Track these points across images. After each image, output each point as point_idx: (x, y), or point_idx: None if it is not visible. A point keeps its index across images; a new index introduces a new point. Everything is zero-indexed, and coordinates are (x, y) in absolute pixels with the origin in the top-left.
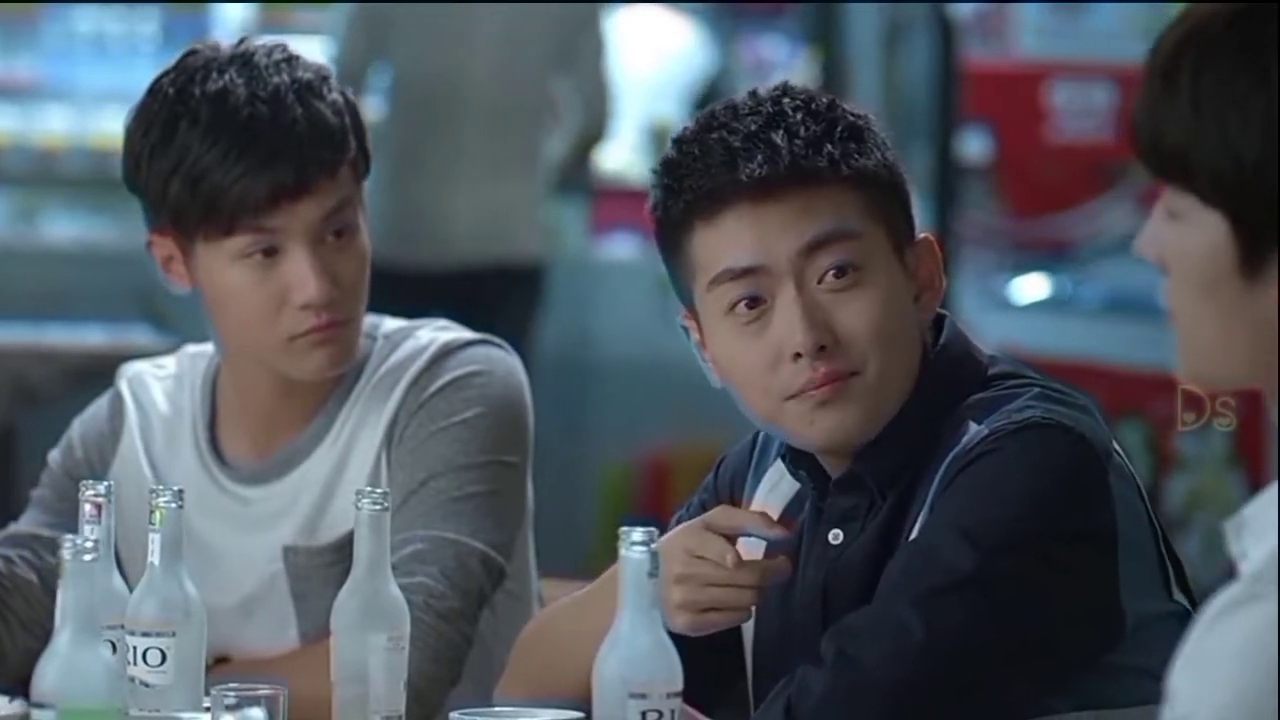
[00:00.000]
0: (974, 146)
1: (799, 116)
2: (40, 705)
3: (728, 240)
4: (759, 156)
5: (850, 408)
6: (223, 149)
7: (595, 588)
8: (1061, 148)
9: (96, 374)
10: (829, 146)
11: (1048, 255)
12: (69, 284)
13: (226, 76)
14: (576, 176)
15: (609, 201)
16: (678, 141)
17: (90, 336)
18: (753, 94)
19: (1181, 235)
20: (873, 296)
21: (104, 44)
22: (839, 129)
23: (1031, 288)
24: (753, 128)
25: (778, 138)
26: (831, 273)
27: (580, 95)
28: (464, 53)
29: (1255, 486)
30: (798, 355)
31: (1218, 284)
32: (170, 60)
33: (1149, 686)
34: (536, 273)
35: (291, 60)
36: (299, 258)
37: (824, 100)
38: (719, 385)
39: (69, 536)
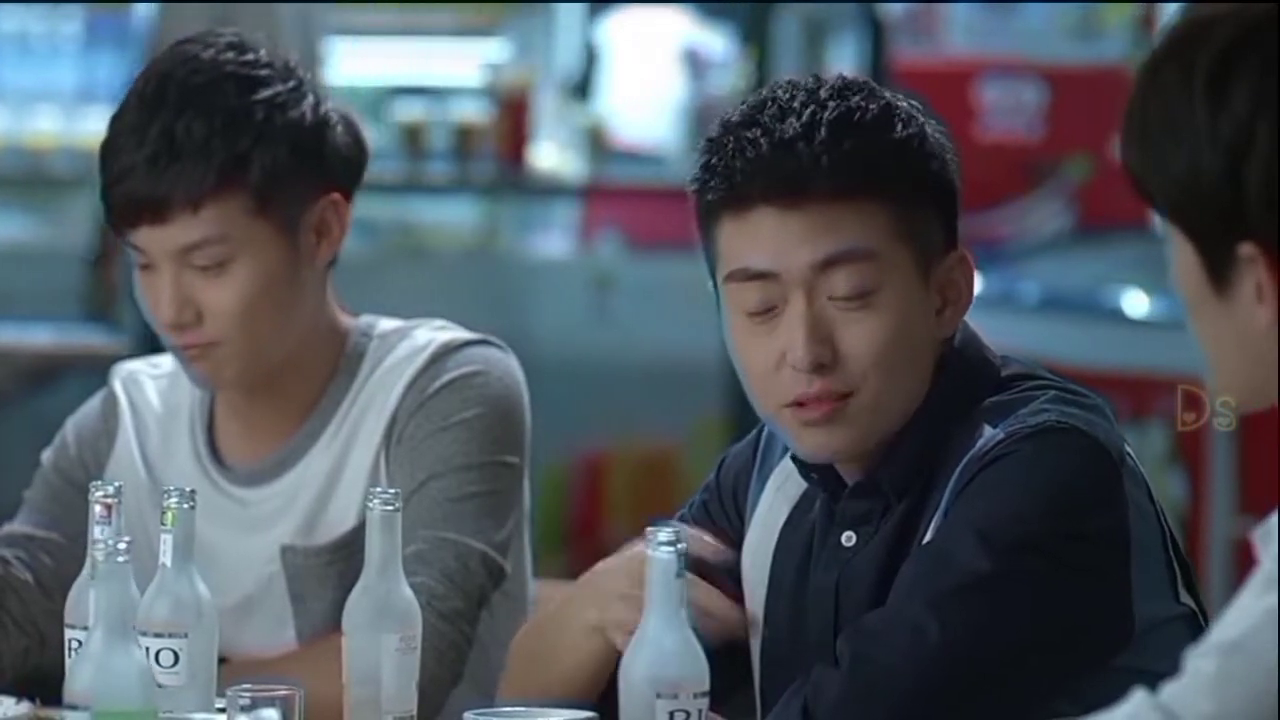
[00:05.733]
0: None
1: (840, 127)
2: (74, 707)
3: (750, 240)
4: (789, 168)
5: (839, 429)
6: (124, 142)
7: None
8: (991, 145)
9: (47, 373)
10: (863, 164)
11: (977, 253)
12: (7, 284)
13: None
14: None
15: (544, 200)
16: (724, 124)
17: (38, 336)
18: (804, 89)
19: (1174, 261)
20: (883, 320)
21: (27, 43)
22: (882, 143)
23: None
24: (790, 134)
25: (812, 149)
26: (843, 292)
27: None
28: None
29: (1196, 485)
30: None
31: (1201, 303)
32: (95, 59)
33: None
34: None
35: (261, 75)
36: (163, 276)
37: (874, 107)
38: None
39: (100, 538)
